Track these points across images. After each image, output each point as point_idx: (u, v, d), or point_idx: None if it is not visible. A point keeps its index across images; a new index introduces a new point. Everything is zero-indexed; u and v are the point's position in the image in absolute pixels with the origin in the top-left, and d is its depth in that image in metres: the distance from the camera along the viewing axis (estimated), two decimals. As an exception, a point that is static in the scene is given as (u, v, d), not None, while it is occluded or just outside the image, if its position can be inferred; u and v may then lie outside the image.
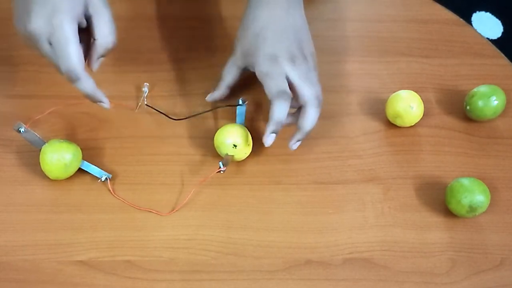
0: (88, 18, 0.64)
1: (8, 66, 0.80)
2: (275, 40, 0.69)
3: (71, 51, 0.60)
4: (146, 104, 0.76)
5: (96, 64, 0.66)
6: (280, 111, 0.66)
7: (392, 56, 0.83)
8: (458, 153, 0.74)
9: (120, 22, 0.86)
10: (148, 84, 0.78)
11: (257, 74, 0.69)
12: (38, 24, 0.60)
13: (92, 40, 0.65)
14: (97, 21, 0.63)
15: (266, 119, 0.76)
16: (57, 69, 0.63)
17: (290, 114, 0.69)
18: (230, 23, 0.87)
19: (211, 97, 0.75)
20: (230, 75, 0.74)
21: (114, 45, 0.65)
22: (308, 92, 0.68)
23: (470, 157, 0.74)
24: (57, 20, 0.59)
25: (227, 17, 0.88)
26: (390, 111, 0.75)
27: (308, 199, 0.70)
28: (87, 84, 0.63)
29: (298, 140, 0.69)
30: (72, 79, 0.62)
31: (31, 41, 0.62)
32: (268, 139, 0.67)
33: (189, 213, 0.68)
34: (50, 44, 0.61)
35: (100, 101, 0.66)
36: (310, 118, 0.68)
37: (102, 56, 0.66)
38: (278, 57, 0.68)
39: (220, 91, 0.75)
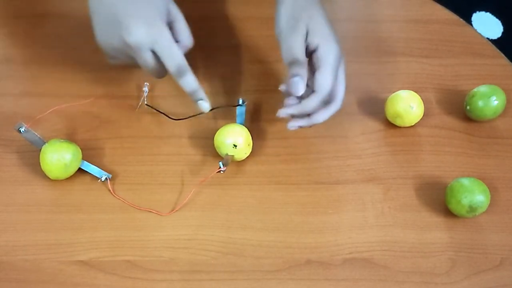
0: (169, 23, 0.69)
1: (9, 65, 0.80)
2: (334, 34, 0.69)
3: (177, 50, 0.67)
4: (146, 104, 0.77)
5: None
6: (312, 105, 0.67)
7: (392, 56, 0.83)
8: (458, 153, 0.74)
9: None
10: (148, 83, 0.78)
11: (320, 55, 0.67)
12: (140, 35, 0.64)
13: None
14: (178, 26, 0.70)
15: (266, 119, 0.76)
16: (155, 74, 0.68)
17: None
18: (231, 23, 0.87)
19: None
20: (303, 49, 0.68)
21: (192, 45, 0.71)
22: (342, 92, 0.69)
23: (470, 157, 0.74)
24: (157, 28, 0.66)
25: (227, 17, 0.88)
26: (390, 111, 0.75)
27: (308, 199, 0.70)
28: (192, 79, 0.68)
29: (301, 127, 0.69)
30: (181, 73, 0.67)
31: (129, 52, 0.66)
32: (283, 113, 0.69)
33: (189, 213, 0.68)
34: (152, 51, 0.66)
35: (201, 99, 0.69)
36: (327, 114, 0.69)
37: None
38: (342, 57, 0.69)
39: (303, 71, 0.68)
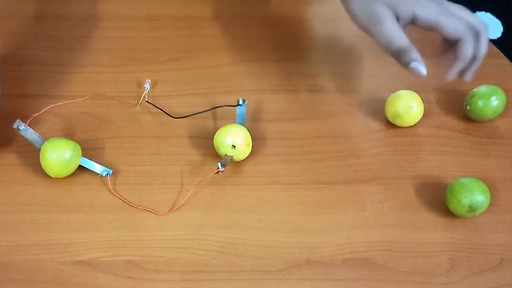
0: None
1: (6, 66, 0.80)
2: None
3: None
4: (147, 101, 0.77)
5: None
6: (471, 48, 0.66)
7: (392, 56, 0.83)
8: (458, 153, 0.74)
9: (121, 22, 0.87)
10: (150, 80, 0.78)
11: (426, 20, 0.65)
12: None
13: None
14: None
15: (266, 119, 0.77)
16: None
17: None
18: (230, 23, 0.87)
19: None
20: (403, 33, 0.66)
21: None
22: (475, 20, 0.67)
23: (470, 157, 0.74)
24: None
25: (227, 17, 0.88)
26: (390, 111, 0.75)
27: (308, 199, 0.70)
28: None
29: (474, 70, 0.69)
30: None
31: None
32: (453, 77, 0.68)
33: (189, 213, 0.68)
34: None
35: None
36: (484, 44, 0.67)
37: None
38: None
39: (420, 57, 0.66)
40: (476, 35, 0.66)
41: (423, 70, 0.65)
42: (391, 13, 0.65)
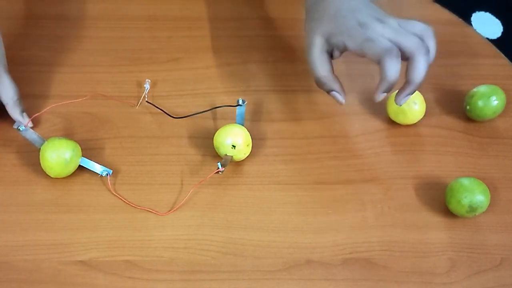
0: None
1: (8, 65, 0.80)
2: (356, 13, 0.68)
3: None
4: (147, 101, 0.77)
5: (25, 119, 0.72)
6: (392, 68, 0.64)
7: (392, 56, 0.83)
8: (458, 153, 0.74)
9: (121, 22, 0.87)
10: (149, 80, 0.78)
11: (352, 48, 0.66)
12: None
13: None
14: (1, 87, 0.72)
15: (266, 119, 0.76)
16: None
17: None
18: (230, 23, 0.87)
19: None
20: (327, 64, 0.70)
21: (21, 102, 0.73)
22: (409, 41, 0.65)
23: (470, 157, 0.74)
24: None
25: (226, 18, 0.88)
26: (393, 107, 0.74)
27: (308, 199, 0.70)
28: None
29: (408, 94, 0.67)
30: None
31: None
32: (380, 98, 0.67)
33: (189, 213, 0.68)
34: None
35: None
36: (419, 68, 0.65)
37: (23, 111, 0.73)
38: (366, 22, 0.66)
39: (339, 88, 0.70)
40: (404, 55, 0.65)
41: (341, 99, 0.70)
42: (323, 44, 0.69)
